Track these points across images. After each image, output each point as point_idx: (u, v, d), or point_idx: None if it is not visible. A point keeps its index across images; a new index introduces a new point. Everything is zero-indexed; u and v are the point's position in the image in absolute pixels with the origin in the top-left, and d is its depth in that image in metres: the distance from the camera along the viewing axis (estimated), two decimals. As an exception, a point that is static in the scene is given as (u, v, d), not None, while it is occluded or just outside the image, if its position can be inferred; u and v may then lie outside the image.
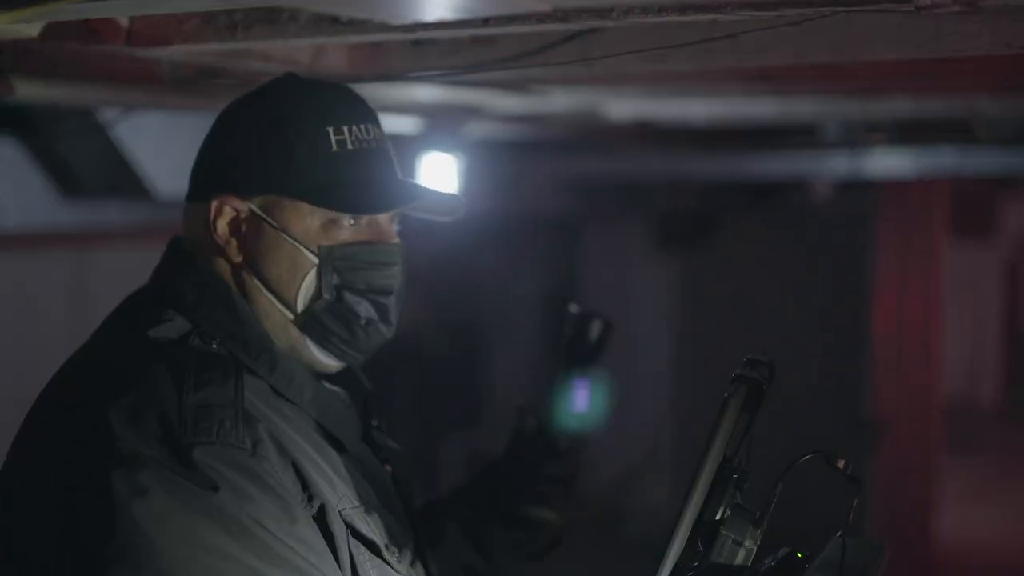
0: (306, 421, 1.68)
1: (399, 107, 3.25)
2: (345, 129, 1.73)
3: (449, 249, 6.75)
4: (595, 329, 2.06)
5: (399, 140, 4.18)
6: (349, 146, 1.73)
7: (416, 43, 2.22)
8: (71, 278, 4.06)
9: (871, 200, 6.43)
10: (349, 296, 1.72)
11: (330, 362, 1.77)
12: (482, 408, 7.01)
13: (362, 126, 1.75)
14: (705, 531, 1.46)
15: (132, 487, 1.45)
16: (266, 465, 1.53)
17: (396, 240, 1.77)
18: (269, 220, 1.71)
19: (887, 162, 5.25)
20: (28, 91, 2.53)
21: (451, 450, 6.69)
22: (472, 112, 3.35)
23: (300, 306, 1.72)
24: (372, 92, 2.78)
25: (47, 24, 1.84)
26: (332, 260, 1.71)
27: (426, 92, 2.91)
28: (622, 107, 3.47)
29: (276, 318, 1.73)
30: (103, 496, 1.46)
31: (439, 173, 4.33)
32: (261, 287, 1.72)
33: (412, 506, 1.88)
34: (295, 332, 1.73)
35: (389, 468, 1.84)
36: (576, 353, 2.07)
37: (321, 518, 1.58)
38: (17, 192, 3.81)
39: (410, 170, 4.40)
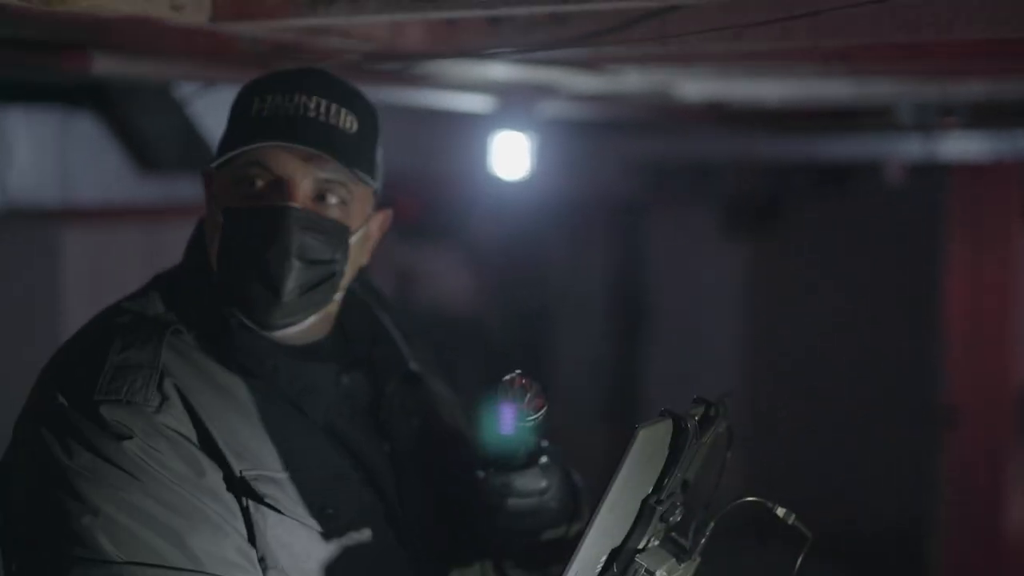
0: (264, 392, 1.71)
1: (473, 85, 3.25)
2: (269, 97, 1.72)
3: (519, 229, 6.77)
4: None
5: (471, 119, 4.21)
6: (265, 113, 1.71)
7: (493, 20, 2.23)
8: (146, 252, 4.11)
9: (945, 184, 6.34)
10: (237, 256, 1.72)
11: (262, 331, 1.75)
12: (548, 388, 7.01)
13: (290, 95, 1.71)
14: (622, 558, 1.52)
15: (55, 439, 1.58)
16: (170, 420, 1.61)
17: (294, 204, 1.69)
18: (212, 189, 1.78)
19: (962, 145, 5.18)
20: (108, 66, 2.57)
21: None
22: (545, 91, 3.35)
23: (216, 269, 1.76)
24: (448, 70, 2.80)
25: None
26: (228, 220, 1.72)
27: (500, 70, 2.92)
28: (695, 87, 3.45)
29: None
30: (32, 446, 1.60)
31: (511, 152, 4.34)
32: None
33: (407, 486, 1.82)
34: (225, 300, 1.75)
35: (388, 447, 1.82)
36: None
37: (229, 476, 1.63)
38: (94, 167, 3.87)
39: (482, 147, 4.41)
